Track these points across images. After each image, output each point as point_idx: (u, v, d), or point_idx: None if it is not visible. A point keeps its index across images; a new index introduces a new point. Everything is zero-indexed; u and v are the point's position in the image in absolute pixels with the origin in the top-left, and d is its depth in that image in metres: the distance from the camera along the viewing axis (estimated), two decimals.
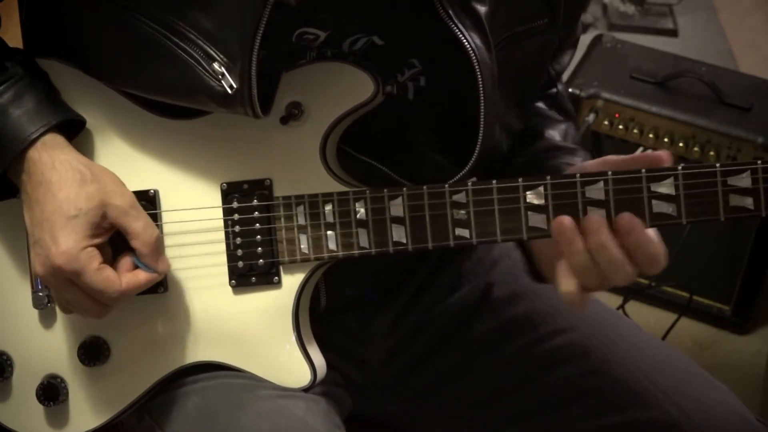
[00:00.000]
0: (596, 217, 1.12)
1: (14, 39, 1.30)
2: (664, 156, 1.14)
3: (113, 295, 1.17)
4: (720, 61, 2.65)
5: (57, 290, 1.20)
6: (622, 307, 2.35)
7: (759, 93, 2.34)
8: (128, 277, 1.18)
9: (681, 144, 2.27)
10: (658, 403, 1.33)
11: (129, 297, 1.19)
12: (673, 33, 3.20)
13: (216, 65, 1.14)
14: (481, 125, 1.19)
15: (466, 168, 1.20)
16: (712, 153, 2.25)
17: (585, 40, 2.32)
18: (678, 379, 1.35)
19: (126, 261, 1.19)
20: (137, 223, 1.18)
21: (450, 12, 1.16)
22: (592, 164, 1.20)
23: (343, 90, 1.19)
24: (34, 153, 1.18)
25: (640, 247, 1.12)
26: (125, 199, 1.18)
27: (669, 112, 2.28)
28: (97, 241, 1.17)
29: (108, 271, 1.17)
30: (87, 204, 1.16)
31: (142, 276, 1.19)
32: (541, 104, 1.43)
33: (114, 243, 1.20)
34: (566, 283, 1.15)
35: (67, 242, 1.15)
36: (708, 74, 2.34)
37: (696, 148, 2.26)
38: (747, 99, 2.30)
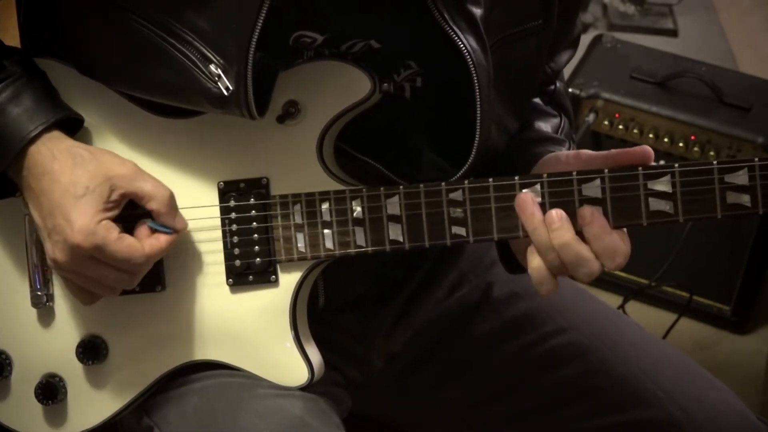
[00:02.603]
0: (558, 214, 1.13)
1: (14, 39, 1.30)
2: (639, 152, 1.14)
3: (139, 260, 1.17)
4: (720, 61, 2.64)
5: (79, 272, 1.19)
6: (622, 307, 2.35)
7: (759, 93, 2.34)
8: (150, 240, 1.18)
9: (681, 144, 2.27)
10: (658, 403, 1.33)
11: (153, 262, 1.20)
12: (673, 33, 3.19)
13: (212, 67, 1.14)
14: (478, 126, 1.19)
15: (463, 169, 1.21)
16: (712, 153, 2.26)
17: (585, 40, 2.31)
18: (679, 379, 1.36)
19: (142, 229, 1.20)
20: (147, 185, 1.19)
21: (445, 15, 1.16)
22: (564, 156, 1.21)
23: (340, 88, 1.19)
24: (33, 148, 1.19)
25: (599, 237, 1.13)
26: (128, 167, 1.19)
27: (669, 112, 2.28)
28: (110, 214, 1.17)
29: (129, 239, 1.17)
30: (92, 181, 1.17)
31: (162, 239, 1.19)
32: (537, 100, 1.43)
33: (124, 224, 1.20)
34: (532, 259, 1.16)
35: (81, 219, 1.15)
36: (708, 74, 2.34)
37: (696, 148, 2.26)
38: (747, 99, 2.30)
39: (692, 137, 2.26)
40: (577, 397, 1.36)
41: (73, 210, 1.16)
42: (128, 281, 1.20)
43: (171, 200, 1.20)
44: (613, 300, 2.36)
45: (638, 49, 2.48)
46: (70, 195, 1.16)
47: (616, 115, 2.31)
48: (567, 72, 1.60)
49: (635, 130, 2.30)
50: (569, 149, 1.33)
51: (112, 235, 1.16)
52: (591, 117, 2.30)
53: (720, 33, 3.21)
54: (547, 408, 1.38)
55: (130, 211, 1.20)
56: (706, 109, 2.29)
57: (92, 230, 1.15)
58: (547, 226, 1.13)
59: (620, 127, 2.31)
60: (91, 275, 1.19)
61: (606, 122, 2.32)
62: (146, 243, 1.18)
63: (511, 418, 1.39)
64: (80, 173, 1.17)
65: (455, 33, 1.16)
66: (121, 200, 1.18)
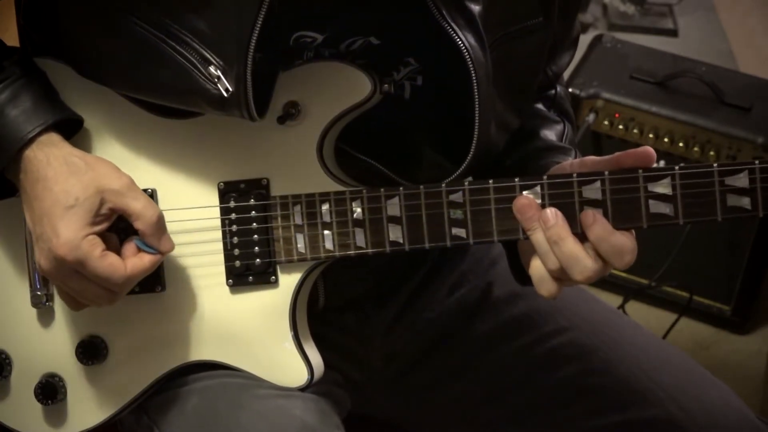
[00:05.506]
0: (553, 212, 1.13)
1: (14, 39, 1.30)
2: (641, 153, 1.14)
3: (119, 280, 1.16)
4: (720, 61, 2.65)
5: (63, 282, 1.19)
6: (622, 307, 2.35)
7: (759, 93, 2.34)
8: (132, 260, 1.18)
9: (681, 144, 2.27)
10: (659, 402, 1.33)
11: (135, 281, 1.19)
12: (673, 33, 3.20)
13: (212, 68, 1.14)
14: (477, 124, 1.19)
15: (462, 166, 1.20)
16: (712, 153, 2.26)
17: (585, 40, 2.32)
18: (679, 378, 1.36)
19: (129, 246, 1.19)
20: (137, 204, 1.18)
21: (443, 12, 1.16)
22: (568, 165, 1.21)
23: (341, 89, 1.19)
24: (30, 152, 1.18)
25: (603, 239, 1.12)
26: (122, 182, 1.18)
27: (669, 112, 2.29)
28: (97, 228, 1.17)
29: (111, 257, 1.17)
30: (83, 193, 1.16)
31: (146, 258, 1.19)
32: (539, 105, 1.43)
33: (121, 231, 1.20)
34: (533, 265, 1.16)
35: (67, 232, 1.15)
36: (708, 74, 2.34)
37: (696, 148, 2.27)
38: (747, 99, 2.30)
39: (692, 137, 2.26)
40: (577, 397, 1.36)
41: (61, 221, 1.15)
42: (108, 299, 1.19)
43: (158, 222, 1.18)
44: (613, 300, 2.36)
45: (638, 49, 2.48)
46: (61, 204, 1.16)
47: (616, 115, 2.31)
48: (567, 72, 1.61)
49: (635, 130, 2.30)
50: (575, 157, 1.33)
51: (95, 252, 1.16)
52: (591, 117, 2.30)
53: (720, 33, 3.21)
54: (547, 408, 1.38)
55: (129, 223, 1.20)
56: (706, 109, 2.29)
57: (77, 244, 1.15)
58: (542, 224, 1.13)
59: (620, 127, 2.31)
60: (74, 287, 1.19)
61: (606, 122, 2.32)
62: (129, 263, 1.18)
63: (511, 418, 1.39)
64: (73, 182, 1.17)
65: (453, 30, 1.16)
66: (110, 214, 1.18)
